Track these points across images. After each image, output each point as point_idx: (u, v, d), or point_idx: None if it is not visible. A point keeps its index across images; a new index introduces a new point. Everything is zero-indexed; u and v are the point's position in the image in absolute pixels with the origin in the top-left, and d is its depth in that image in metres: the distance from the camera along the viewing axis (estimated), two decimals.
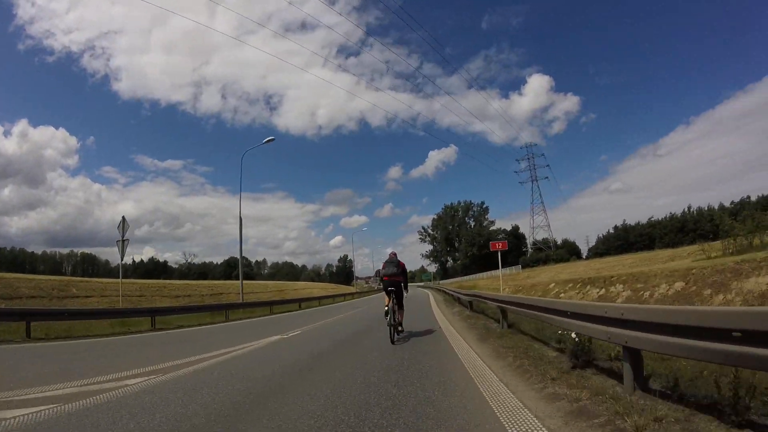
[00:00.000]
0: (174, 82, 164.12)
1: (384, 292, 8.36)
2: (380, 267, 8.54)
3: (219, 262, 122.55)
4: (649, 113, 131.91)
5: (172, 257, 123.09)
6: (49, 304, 19.54)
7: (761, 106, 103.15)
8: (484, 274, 61.77)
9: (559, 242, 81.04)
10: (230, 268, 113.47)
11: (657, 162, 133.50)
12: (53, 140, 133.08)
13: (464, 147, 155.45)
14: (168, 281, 39.29)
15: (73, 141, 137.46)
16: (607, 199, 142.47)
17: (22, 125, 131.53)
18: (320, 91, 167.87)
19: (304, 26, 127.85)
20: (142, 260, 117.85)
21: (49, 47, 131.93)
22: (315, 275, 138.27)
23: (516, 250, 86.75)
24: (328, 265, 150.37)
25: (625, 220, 74.45)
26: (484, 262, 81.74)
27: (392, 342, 7.38)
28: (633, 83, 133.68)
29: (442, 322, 11.04)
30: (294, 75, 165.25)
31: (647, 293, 13.87)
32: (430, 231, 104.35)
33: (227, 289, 36.02)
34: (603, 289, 17.25)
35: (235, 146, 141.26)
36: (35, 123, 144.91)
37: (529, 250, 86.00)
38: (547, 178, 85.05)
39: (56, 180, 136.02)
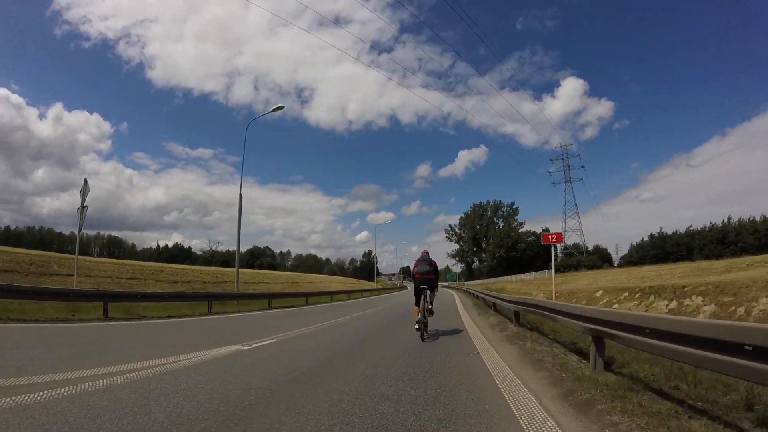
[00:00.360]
0: (207, 72, 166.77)
1: (413, 291, 8.43)
2: (411, 265, 8.66)
3: (243, 251, 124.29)
4: (684, 123, 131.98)
5: (199, 245, 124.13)
6: (23, 281, 17.22)
7: None
8: (513, 277, 57.71)
9: (590, 248, 75.95)
10: (253, 258, 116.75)
11: (690, 172, 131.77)
12: (87, 125, 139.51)
13: (494, 148, 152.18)
14: (166, 264, 36.98)
15: (106, 126, 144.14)
16: (637, 208, 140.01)
17: (57, 109, 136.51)
18: (351, 87, 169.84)
19: (337, 20, 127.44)
20: (166, 245, 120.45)
21: (85, 33, 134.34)
22: (338, 269, 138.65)
23: (545, 254, 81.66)
24: (352, 260, 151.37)
25: (661, 228, 70.38)
26: (512, 264, 77.37)
27: (422, 340, 7.33)
28: (669, 92, 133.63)
29: (480, 341, 7.50)
30: (326, 69, 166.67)
31: (741, 309, 10.51)
32: (457, 230, 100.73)
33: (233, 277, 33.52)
34: (674, 302, 13.84)
35: (266, 138, 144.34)
36: (70, 107, 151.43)
37: (559, 255, 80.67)
38: (581, 180, 78.82)
39: (89, 164, 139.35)
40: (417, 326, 7.53)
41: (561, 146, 78.83)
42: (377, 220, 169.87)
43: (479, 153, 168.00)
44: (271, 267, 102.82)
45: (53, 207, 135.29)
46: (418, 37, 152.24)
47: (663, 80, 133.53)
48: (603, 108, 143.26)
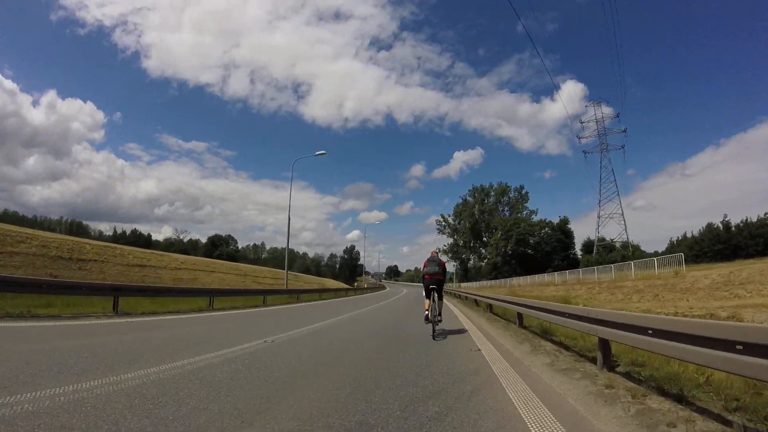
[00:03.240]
0: (203, 63, 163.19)
1: (424, 291, 8.31)
2: (421, 264, 8.60)
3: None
4: (681, 131, 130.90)
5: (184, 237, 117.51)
6: None
7: None
8: (554, 276, 39.11)
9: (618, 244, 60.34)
10: (214, 247, 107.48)
11: (684, 181, 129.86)
12: (80, 113, 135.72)
13: (490, 150, 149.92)
14: None
15: (100, 115, 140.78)
16: (630, 215, 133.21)
17: (50, 96, 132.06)
18: (349, 83, 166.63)
19: (337, 16, 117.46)
20: (124, 232, 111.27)
21: (81, 19, 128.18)
22: (313, 265, 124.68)
23: (563, 251, 65.78)
24: (332, 255, 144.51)
25: (726, 216, 56.81)
26: (522, 262, 61.12)
27: (433, 338, 7.33)
28: (667, 100, 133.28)
29: None
30: (324, 64, 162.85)
31: None
32: (450, 221, 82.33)
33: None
34: None
35: (260, 132, 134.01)
36: (64, 95, 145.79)
37: (578, 250, 64.87)
38: (623, 147, 61.16)
39: (81, 153, 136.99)
40: (426, 312, 7.81)
41: (594, 103, 62.19)
42: (370, 219, 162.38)
43: (475, 155, 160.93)
44: (232, 258, 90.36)
45: (43, 196, 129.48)
46: (417, 36, 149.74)
47: (662, 88, 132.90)
48: (601, 113, 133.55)
